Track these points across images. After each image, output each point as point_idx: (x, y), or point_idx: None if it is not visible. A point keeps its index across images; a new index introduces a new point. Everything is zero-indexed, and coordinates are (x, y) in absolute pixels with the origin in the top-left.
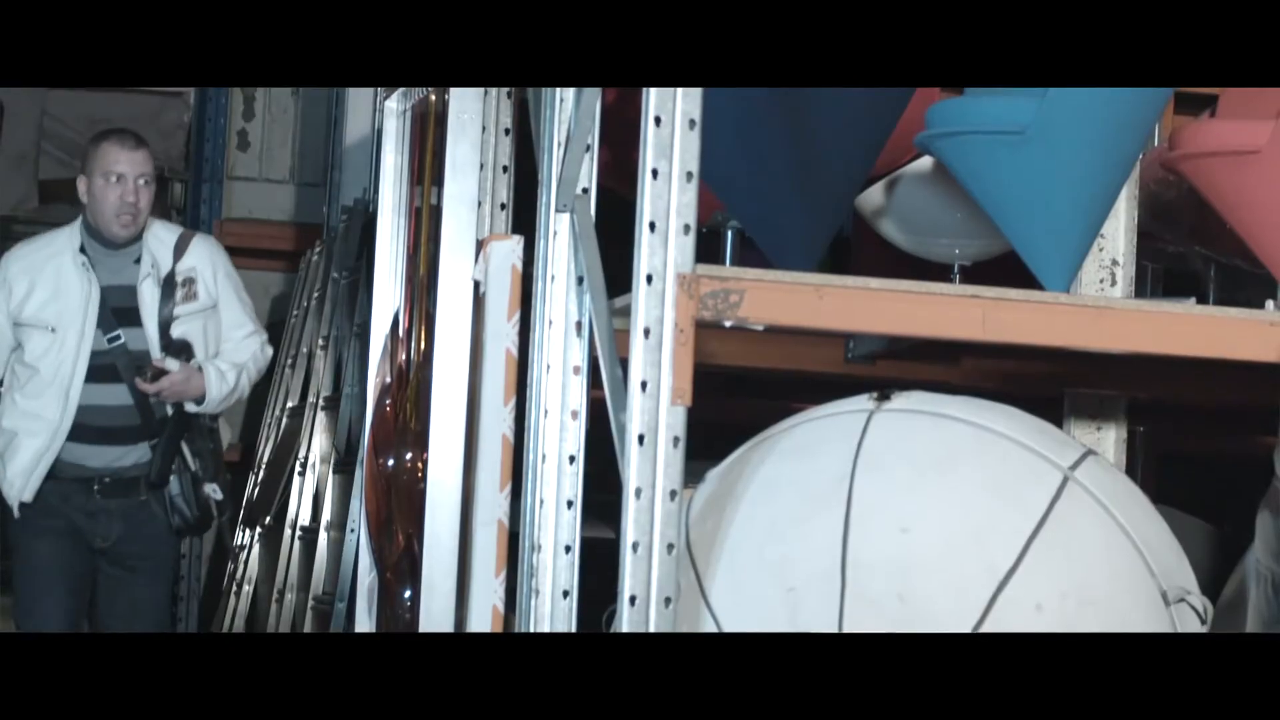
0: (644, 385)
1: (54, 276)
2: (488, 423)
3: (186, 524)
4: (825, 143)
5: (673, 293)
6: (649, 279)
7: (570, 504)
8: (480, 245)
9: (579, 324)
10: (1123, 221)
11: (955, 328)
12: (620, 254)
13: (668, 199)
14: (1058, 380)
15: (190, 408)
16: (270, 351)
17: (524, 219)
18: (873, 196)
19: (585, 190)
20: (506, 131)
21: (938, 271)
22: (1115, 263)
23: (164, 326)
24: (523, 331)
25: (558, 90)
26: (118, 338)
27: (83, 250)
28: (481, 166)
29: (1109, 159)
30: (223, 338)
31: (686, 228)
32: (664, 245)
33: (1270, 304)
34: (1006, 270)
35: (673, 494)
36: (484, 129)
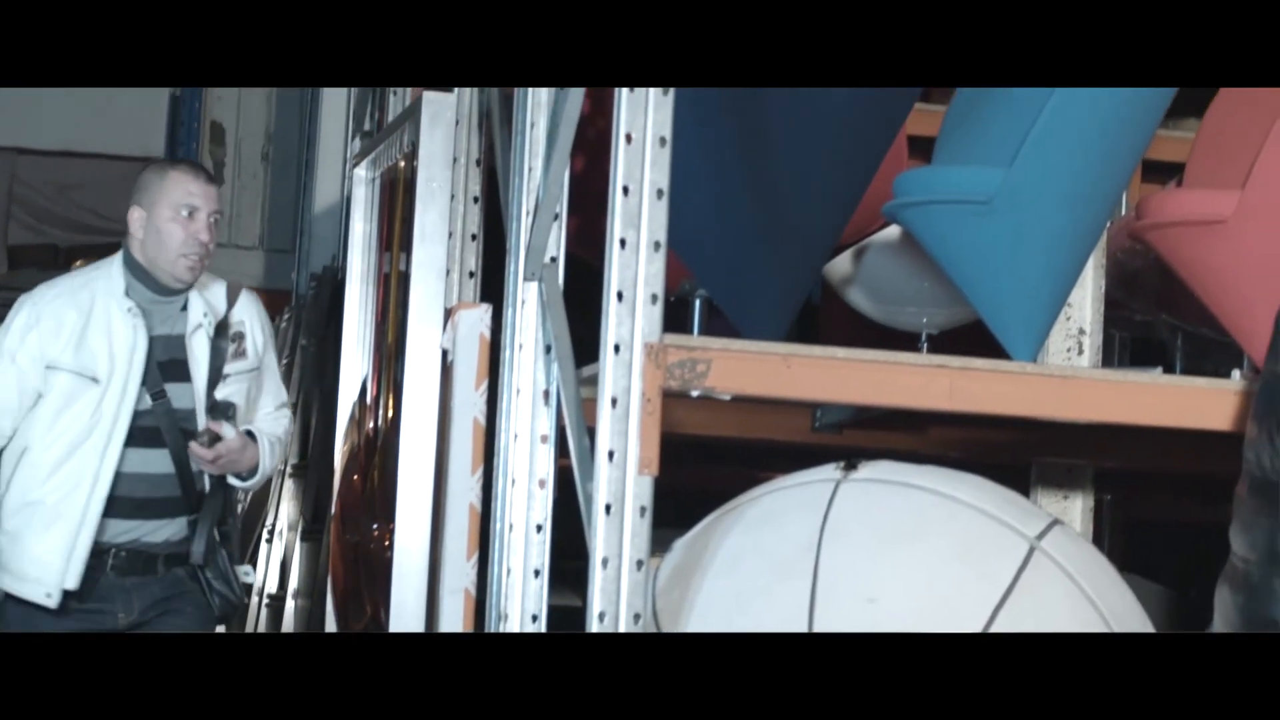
0: (611, 455)
1: (102, 318)
2: (455, 491)
3: (230, 606)
4: (793, 211)
5: (640, 362)
6: (616, 348)
7: (537, 573)
8: (448, 313)
9: (547, 393)
10: (1090, 290)
11: (922, 397)
12: (588, 323)
13: (635, 268)
14: (1025, 449)
15: (234, 482)
16: (293, 429)
17: (492, 287)
18: (840, 265)
19: (554, 259)
20: (475, 199)
21: (906, 340)
22: (1082, 332)
23: (210, 385)
24: (490, 400)
25: (526, 157)
26: (162, 394)
27: (128, 294)
28: (450, 234)
29: (1075, 228)
30: (257, 406)
31: (654, 297)
32: (631, 315)
33: (1236, 373)
34: (975, 339)
35: (639, 564)
36: (453, 196)
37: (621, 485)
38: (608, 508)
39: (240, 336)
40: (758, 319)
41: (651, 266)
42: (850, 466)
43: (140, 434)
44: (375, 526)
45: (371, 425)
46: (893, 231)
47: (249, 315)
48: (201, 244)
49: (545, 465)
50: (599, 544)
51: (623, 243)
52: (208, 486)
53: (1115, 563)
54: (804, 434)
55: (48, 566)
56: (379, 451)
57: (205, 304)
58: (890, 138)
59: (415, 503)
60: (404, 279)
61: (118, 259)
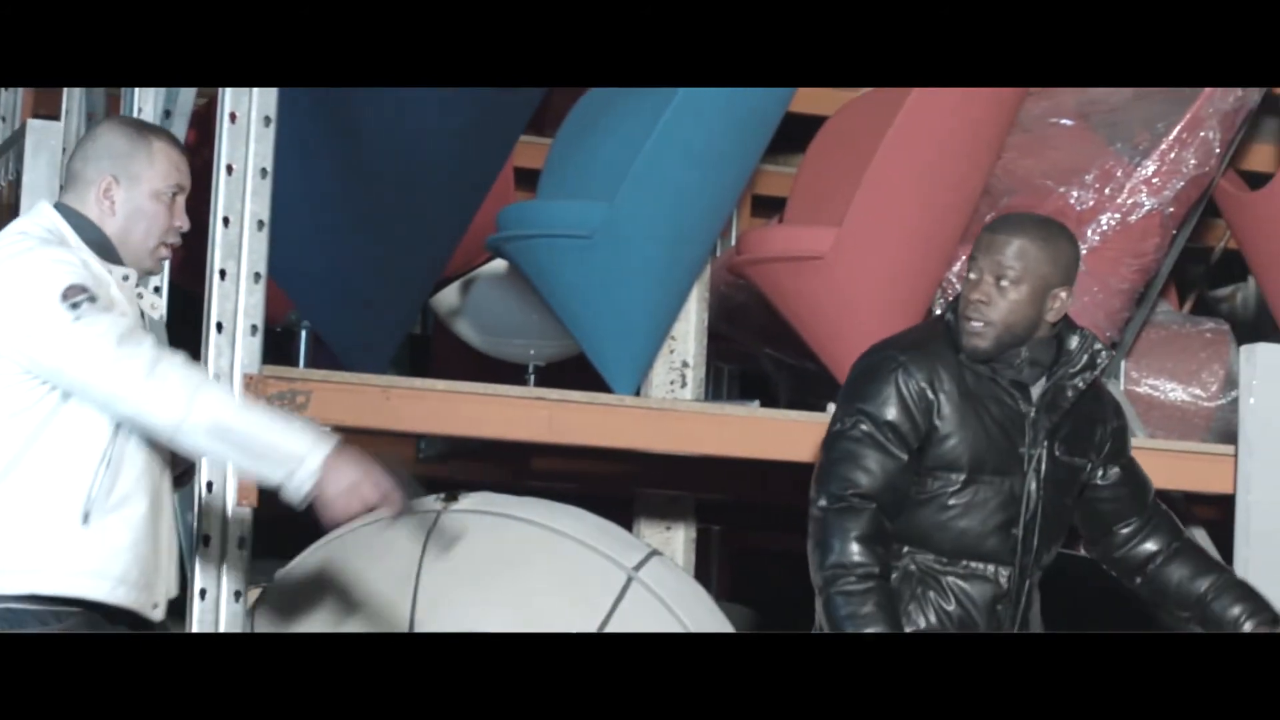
0: (210, 486)
1: (109, 285)
2: None
3: None
4: (396, 243)
5: (239, 393)
6: (216, 379)
7: None
8: None
9: None
10: (693, 324)
11: (522, 429)
12: (191, 353)
13: (235, 299)
14: (628, 480)
15: None
16: None
17: None
18: (448, 297)
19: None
20: None
21: (518, 371)
22: (686, 364)
23: None
24: None
25: None
26: None
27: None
28: None
29: (677, 262)
30: None
31: (254, 328)
32: (231, 345)
33: (831, 406)
34: (587, 370)
35: (238, 595)
36: None
37: (220, 517)
38: (206, 539)
39: None
40: (360, 350)
41: (251, 298)
42: (451, 498)
43: None
44: None
45: None
46: (499, 264)
47: None
48: (181, 233)
49: None
50: (197, 575)
51: (223, 273)
52: None
53: (723, 593)
54: (409, 464)
55: (156, 570)
56: None
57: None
58: (496, 170)
59: None
60: None
61: (56, 226)
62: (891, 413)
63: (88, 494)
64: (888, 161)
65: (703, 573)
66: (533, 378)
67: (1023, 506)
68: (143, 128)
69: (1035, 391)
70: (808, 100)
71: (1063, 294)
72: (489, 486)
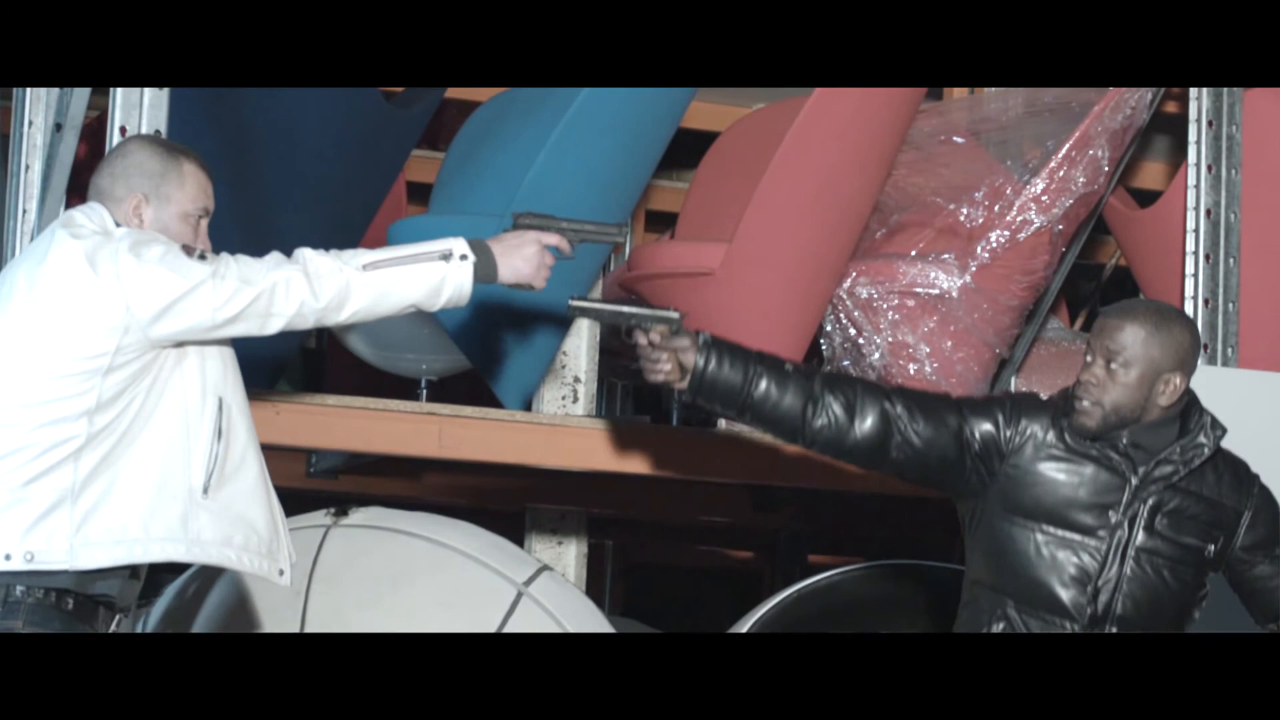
0: None
1: None
2: None
3: None
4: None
5: None
6: None
7: None
8: None
9: None
10: (585, 340)
11: (412, 444)
12: None
13: None
14: (519, 495)
15: None
16: None
17: None
18: None
19: None
20: None
21: (407, 386)
22: (578, 380)
23: None
24: None
25: (21, 199)
26: None
27: None
28: None
29: (566, 278)
30: None
31: None
32: None
33: (722, 423)
34: (479, 385)
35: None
36: None
37: None
38: None
39: None
40: (250, 366)
41: None
42: (341, 512)
43: None
44: None
45: None
46: None
47: None
48: None
49: None
50: None
51: None
52: None
53: (615, 607)
54: (300, 479)
55: (276, 536)
56: None
57: None
58: (387, 184)
59: None
60: None
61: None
62: (981, 406)
63: (206, 467)
64: (778, 178)
65: (595, 588)
66: (424, 392)
67: (1103, 567)
68: (173, 149)
69: (1143, 466)
70: (700, 116)
71: (1175, 379)
72: (380, 501)
